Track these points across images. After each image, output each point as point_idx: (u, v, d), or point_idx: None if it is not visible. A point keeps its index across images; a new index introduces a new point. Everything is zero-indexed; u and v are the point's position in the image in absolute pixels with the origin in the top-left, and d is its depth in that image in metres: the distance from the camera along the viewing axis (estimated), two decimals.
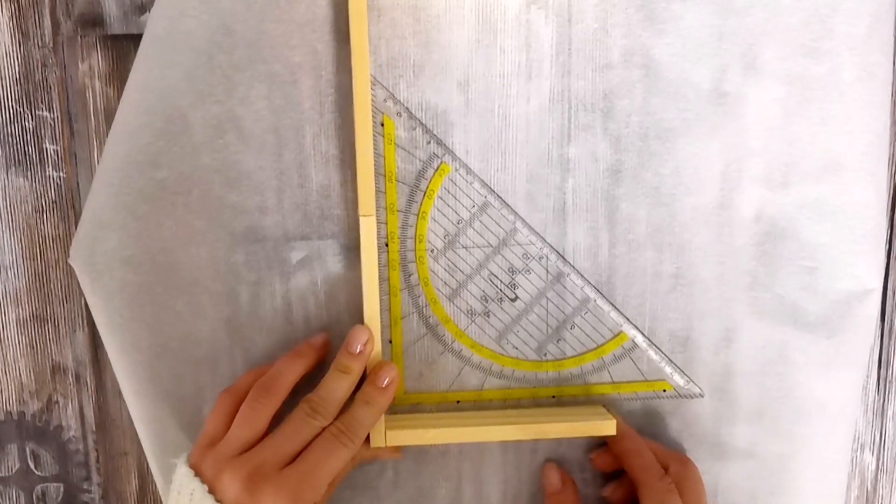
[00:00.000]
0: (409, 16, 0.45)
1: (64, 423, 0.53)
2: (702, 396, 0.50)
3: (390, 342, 0.48)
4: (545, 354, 0.49)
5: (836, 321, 0.48)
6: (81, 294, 0.49)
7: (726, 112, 0.47)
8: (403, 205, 0.47)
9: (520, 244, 0.48)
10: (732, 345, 0.49)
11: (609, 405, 0.49)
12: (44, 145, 0.50)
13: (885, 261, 0.50)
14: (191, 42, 0.44)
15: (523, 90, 0.46)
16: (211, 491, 0.41)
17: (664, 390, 0.50)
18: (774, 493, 0.51)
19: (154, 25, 0.44)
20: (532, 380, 0.49)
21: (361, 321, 0.46)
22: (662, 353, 0.49)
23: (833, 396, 0.50)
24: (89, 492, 0.54)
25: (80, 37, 0.49)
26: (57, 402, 0.53)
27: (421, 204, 0.47)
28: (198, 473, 0.42)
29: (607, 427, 0.47)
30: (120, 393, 0.50)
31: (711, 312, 0.49)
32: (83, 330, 0.52)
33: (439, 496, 0.50)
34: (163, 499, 0.51)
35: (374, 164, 0.45)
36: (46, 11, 0.49)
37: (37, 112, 0.50)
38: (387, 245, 0.47)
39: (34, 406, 0.53)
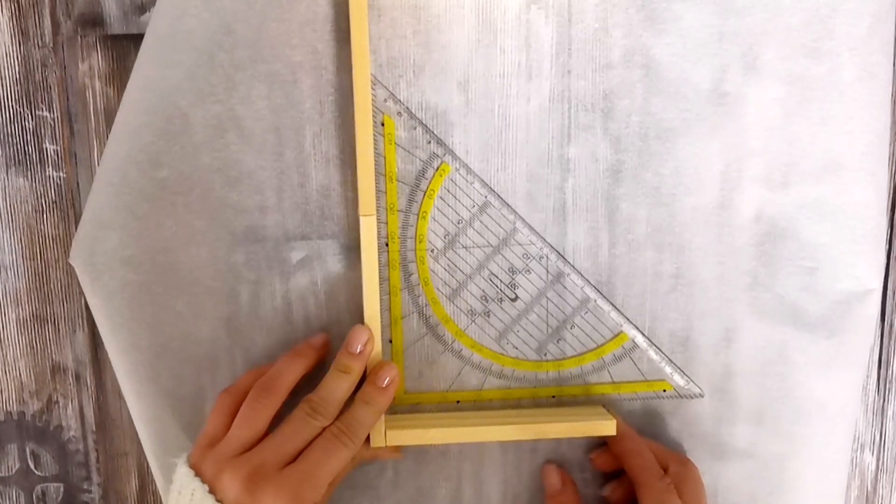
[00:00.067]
0: (410, 16, 0.45)
1: (64, 423, 0.53)
2: (702, 396, 0.50)
3: (390, 342, 0.48)
4: (545, 354, 0.49)
5: (836, 321, 0.49)
6: (81, 294, 0.49)
7: (726, 112, 0.47)
8: (404, 204, 0.47)
9: (520, 244, 0.48)
10: (732, 345, 0.49)
11: (609, 405, 0.49)
12: (44, 145, 0.50)
13: (885, 261, 0.50)
14: (192, 41, 0.44)
15: (523, 90, 0.46)
16: (211, 491, 0.41)
17: (664, 390, 0.50)
18: (774, 493, 0.51)
19: (155, 25, 0.44)
20: (532, 380, 0.49)
21: (361, 321, 0.46)
22: (662, 353, 0.49)
23: (833, 396, 0.50)
24: (89, 492, 0.54)
25: (80, 37, 0.49)
26: (57, 402, 0.53)
27: (421, 204, 0.47)
28: (198, 473, 0.42)
29: (607, 427, 0.47)
30: (120, 393, 0.50)
31: (711, 312, 0.49)
32: (83, 330, 0.52)
33: (439, 496, 0.50)
34: (163, 498, 0.51)
35: (375, 164, 0.45)
36: (46, 11, 0.49)
37: (37, 112, 0.50)
38: (387, 245, 0.47)
39: (34, 406, 0.53)
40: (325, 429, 0.43)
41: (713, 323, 0.49)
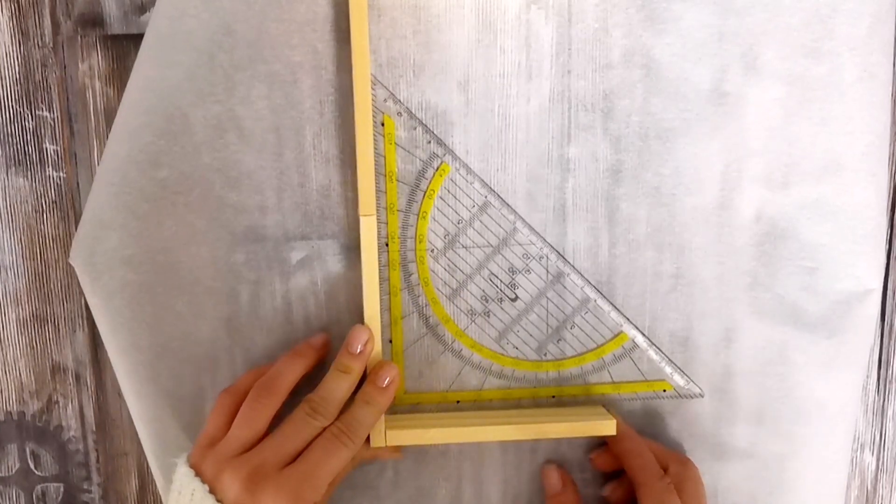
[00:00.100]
0: (410, 15, 0.45)
1: (64, 423, 0.53)
2: (702, 396, 0.50)
3: (390, 342, 0.48)
4: (545, 354, 0.49)
5: (836, 321, 0.49)
6: (81, 294, 0.49)
7: (727, 112, 0.47)
8: (404, 204, 0.47)
9: (520, 244, 0.48)
10: (732, 345, 0.49)
11: (609, 405, 0.49)
12: (44, 145, 0.50)
13: (886, 261, 0.50)
14: (192, 41, 0.44)
15: (523, 90, 0.46)
16: (211, 491, 0.41)
17: (664, 390, 0.50)
18: (774, 493, 0.51)
19: (155, 25, 0.44)
20: (532, 380, 0.49)
21: (361, 321, 0.46)
22: (662, 353, 0.49)
23: (833, 396, 0.50)
24: (89, 492, 0.54)
25: (80, 37, 0.49)
26: (57, 402, 0.53)
27: (421, 204, 0.47)
28: (198, 473, 0.42)
29: (607, 427, 0.47)
30: (120, 393, 0.50)
31: (711, 312, 0.49)
32: (83, 330, 0.52)
33: (439, 496, 0.50)
34: (163, 499, 0.51)
35: (375, 164, 0.45)
36: (46, 11, 0.49)
37: (37, 112, 0.50)
38: (387, 245, 0.47)
39: (34, 406, 0.53)
40: (325, 429, 0.43)
41: (713, 323, 0.49)
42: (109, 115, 0.50)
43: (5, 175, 0.50)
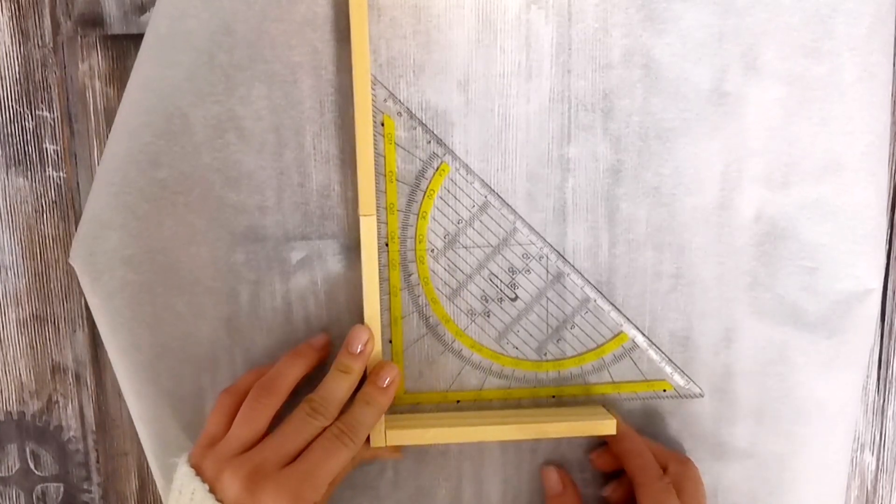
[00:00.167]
0: (410, 15, 0.45)
1: (64, 423, 0.53)
2: (702, 396, 0.50)
3: (390, 342, 0.48)
4: (545, 354, 0.49)
5: (836, 321, 0.49)
6: (81, 294, 0.49)
7: (726, 112, 0.47)
8: (403, 204, 0.47)
9: (520, 244, 0.48)
10: (732, 345, 0.49)
11: (609, 405, 0.49)
12: (44, 145, 0.50)
13: (885, 261, 0.50)
14: (192, 41, 0.44)
15: (523, 90, 0.46)
16: (211, 490, 0.41)
17: (664, 390, 0.50)
18: (774, 493, 0.51)
19: (155, 25, 0.44)
20: (532, 380, 0.49)
21: (361, 321, 0.46)
22: (662, 353, 0.49)
23: (833, 396, 0.50)
24: (89, 492, 0.54)
25: (80, 37, 0.49)
26: (57, 402, 0.53)
27: (421, 204, 0.47)
28: (198, 473, 0.42)
29: (607, 427, 0.47)
30: (120, 393, 0.50)
31: (711, 312, 0.49)
32: (83, 330, 0.52)
33: (439, 496, 0.50)
34: (163, 498, 0.51)
35: (375, 164, 0.45)
36: (46, 11, 0.49)
37: (37, 112, 0.50)
38: (387, 245, 0.47)
39: (34, 406, 0.53)
40: (325, 429, 0.43)
41: (713, 323, 0.49)
42: (109, 115, 0.50)
43: (5, 175, 0.50)
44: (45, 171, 0.50)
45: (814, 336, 0.49)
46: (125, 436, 0.53)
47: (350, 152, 0.46)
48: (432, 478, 0.50)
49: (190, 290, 0.47)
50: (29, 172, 0.50)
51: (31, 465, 0.54)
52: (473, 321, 0.49)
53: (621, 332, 0.49)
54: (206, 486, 0.41)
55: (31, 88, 0.49)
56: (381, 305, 0.47)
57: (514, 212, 0.48)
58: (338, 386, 0.45)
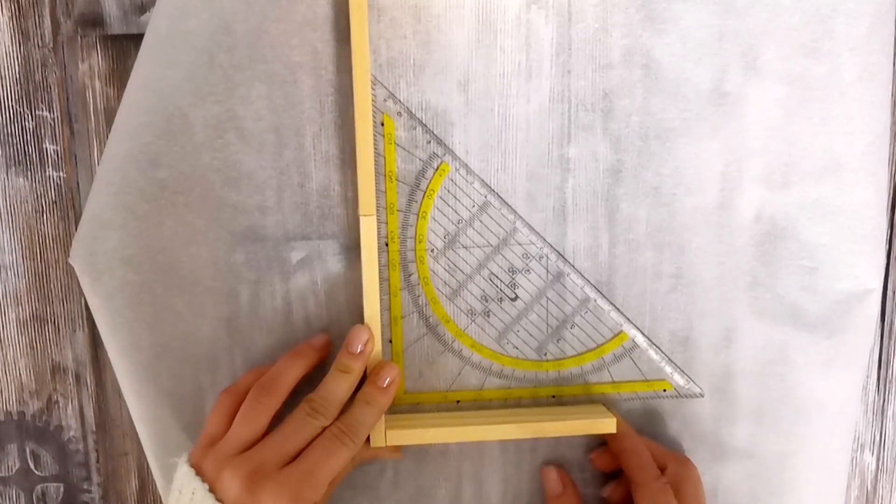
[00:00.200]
0: (410, 15, 0.45)
1: (64, 423, 0.53)
2: (702, 396, 0.50)
3: (390, 342, 0.48)
4: (545, 354, 0.49)
5: (836, 321, 0.49)
6: (81, 294, 0.49)
7: (726, 112, 0.47)
8: (403, 204, 0.47)
9: (520, 244, 0.48)
10: (732, 345, 0.49)
11: (609, 405, 0.49)
12: (44, 145, 0.50)
13: (885, 261, 0.50)
14: (192, 41, 0.44)
15: (523, 90, 0.46)
16: (212, 490, 0.41)
17: (664, 390, 0.50)
18: (774, 493, 0.51)
19: (155, 25, 0.44)
20: (532, 379, 0.49)
21: (361, 321, 0.46)
22: (662, 352, 0.49)
23: (833, 396, 0.50)
24: (89, 492, 0.54)
25: (80, 37, 0.49)
26: (57, 402, 0.53)
27: (421, 203, 0.47)
28: (199, 473, 0.42)
29: (607, 425, 0.47)
30: (120, 393, 0.50)
31: (711, 312, 0.49)
32: (83, 330, 0.52)
33: (439, 496, 0.50)
34: (163, 498, 0.51)
35: (375, 164, 0.45)
36: (46, 11, 0.49)
37: (37, 112, 0.50)
38: (387, 245, 0.47)
39: (34, 406, 0.53)
40: (325, 429, 0.43)
41: (713, 323, 0.49)
42: (109, 115, 0.50)
43: (5, 175, 0.50)
44: (45, 171, 0.50)
45: (814, 336, 0.49)
46: (125, 436, 0.53)
47: (350, 152, 0.46)
48: (432, 478, 0.50)
49: (190, 290, 0.47)
50: (29, 172, 0.50)
51: (31, 465, 0.54)
52: (473, 321, 0.49)
53: (621, 331, 0.49)
54: (207, 486, 0.41)
55: (31, 88, 0.49)
56: (381, 305, 0.47)
57: (514, 212, 0.48)
58: (338, 386, 0.45)
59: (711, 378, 0.50)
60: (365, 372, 0.46)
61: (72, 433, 0.53)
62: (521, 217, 0.48)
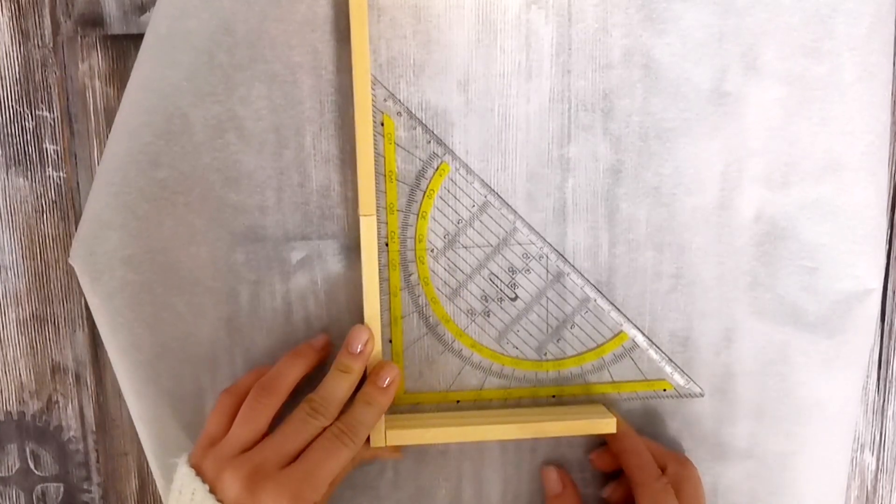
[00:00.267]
0: (410, 15, 0.45)
1: (64, 423, 0.53)
2: (702, 396, 0.50)
3: (390, 342, 0.48)
4: (545, 354, 0.49)
5: (836, 321, 0.49)
6: (81, 294, 0.49)
7: (727, 112, 0.47)
8: (403, 204, 0.47)
9: (520, 244, 0.48)
10: (733, 345, 0.49)
11: (609, 405, 0.49)
12: (44, 145, 0.50)
13: (886, 261, 0.50)
14: (192, 41, 0.44)
15: (523, 90, 0.46)
16: (212, 490, 0.41)
17: (664, 390, 0.50)
18: (774, 493, 0.51)
19: (156, 25, 0.44)
20: (532, 379, 0.49)
21: (361, 321, 0.46)
22: (662, 352, 0.49)
23: (833, 396, 0.50)
24: (89, 492, 0.54)
25: (80, 37, 0.49)
26: (57, 402, 0.53)
27: (421, 203, 0.47)
28: (199, 473, 0.42)
29: (607, 425, 0.47)
30: (120, 393, 0.50)
31: (712, 312, 0.49)
32: (83, 330, 0.52)
33: (439, 496, 0.50)
34: (163, 499, 0.51)
35: (375, 164, 0.45)
36: (46, 11, 0.49)
37: (37, 112, 0.50)
38: (387, 245, 0.47)
39: (34, 406, 0.53)
40: (325, 429, 0.43)
41: (713, 323, 0.49)
42: (109, 115, 0.50)
43: (5, 175, 0.50)
44: (45, 171, 0.50)
45: (814, 336, 0.49)
46: (125, 436, 0.53)
47: (350, 152, 0.46)
48: (432, 478, 0.50)
49: (190, 290, 0.47)
50: (29, 172, 0.50)
51: (31, 465, 0.54)
52: (473, 321, 0.49)
53: (621, 331, 0.49)
54: (207, 487, 0.41)
55: (31, 88, 0.49)
56: (381, 305, 0.47)
57: (514, 212, 0.48)
58: (338, 386, 0.45)
59: (711, 378, 0.50)
60: (365, 372, 0.46)
61: (72, 433, 0.53)
62: (521, 217, 0.48)
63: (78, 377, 0.53)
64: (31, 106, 0.50)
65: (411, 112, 0.46)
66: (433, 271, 0.48)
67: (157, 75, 0.45)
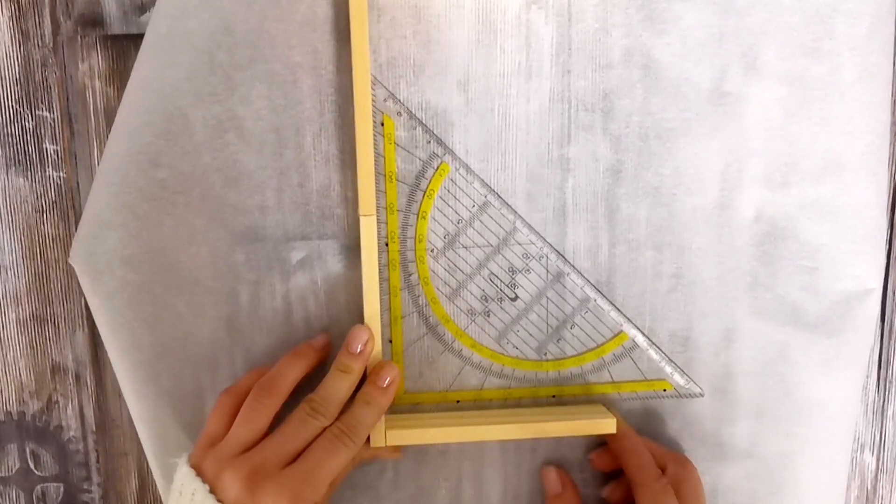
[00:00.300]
0: (410, 15, 0.45)
1: (64, 423, 0.53)
2: (702, 396, 0.50)
3: (390, 342, 0.48)
4: (545, 354, 0.49)
5: (836, 321, 0.49)
6: (81, 294, 0.49)
7: (727, 112, 0.47)
8: (403, 204, 0.47)
9: (520, 244, 0.48)
10: (733, 345, 0.49)
11: (609, 405, 0.49)
12: (44, 145, 0.50)
13: (885, 261, 0.50)
14: (192, 41, 0.44)
15: (523, 90, 0.46)
16: (212, 491, 0.41)
17: (664, 390, 0.50)
18: (774, 493, 0.51)
19: (156, 25, 0.44)
20: (532, 379, 0.49)
21: (362, 321, 0.46)
22: (662, 352, 0.49)
23: (833, 396, 0.50)
24: (89, 492, 0.54)
25: (80, 37, 0.49)
26: (57, 402, 0.53)
27: (421, 203, 0.47)
28: (199, 473, 0.42)
29: (607, 425, 0.47)
30: (120, 393, 0.50)
31: (712, 312, 0.49)
32: (83, 330, 0.52)
33: (439, 496, 0.50)
34: (163, 499, 0.51)
35: (375, 164, 0.45)
36: (46, 11, 0.49)
37: (37, 112, 0.50)
38: (387, 245, 0.47)
39: (34, 406, 0.53)
40: (325, 429, 0.43)
41: (713, 323, 0.49)
42: (109, 115, 0.50)
43: (5, 175, 0.50)
44: (45, 171, 0.50)
45: (814, 336, 0.49)
46: (125, 436, 0.53)
47: (350, 152, 0.46)
48: (432, 478, 0.50)
49: (190, 290, 0.47)
50: (29, 172, 0.50)
51: (31, 465, 0.54)
52: (473, 321, 0.49)
53: (621, 331, 0.49)
54: (207, 487, 0.41)
55: (31, 88, 0.49)
56: (381, 305, 0.47)
57: (514, 212, 0.48)
58: (338, 386, 0.45)
59: (711, 378, 0.50)
60: (365, 372, 0.46)
61: (72, 433, 0.53)
62: (521, 217, 0.48)
63: (78, 377, 0.53)
64: (31, 106, 0.50)
65: (411, 112, 0.46)
66: (433, 271, 0.48)
67: (157, 75, 0.45)
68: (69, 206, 0.51)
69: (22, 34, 0.49)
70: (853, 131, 0.47)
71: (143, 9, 0.49)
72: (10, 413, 0.53)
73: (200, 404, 0.48)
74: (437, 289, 0.48)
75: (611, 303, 0.49)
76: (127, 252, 0.46)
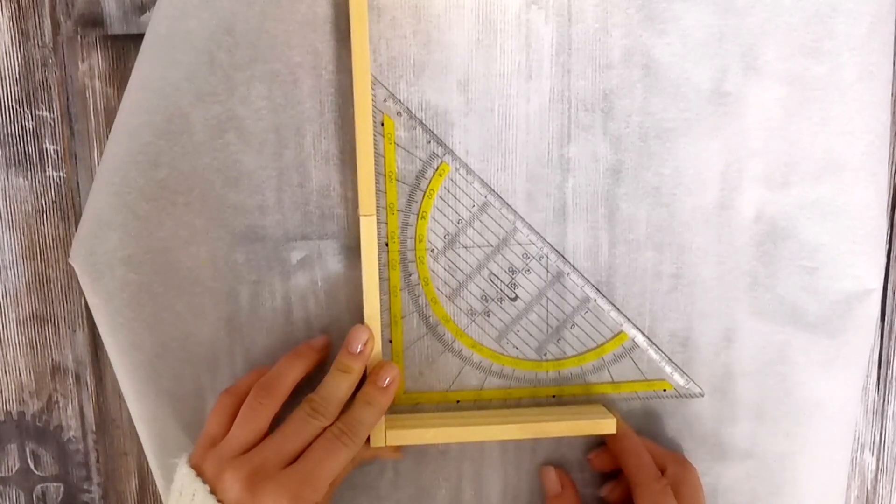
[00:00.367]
0: (410, 15, 0.45)
1: (64, 423, 0.53)
2: (702, 396, 0.50)
3: (390, 342, 0.48)
4: (545, 354, 0.49)
5: (836, 321, 0.49)
6: (81, 294, 0.49)
7: (727, 112, 0.47)
8: (403, 204, 0.47)
9: (520, 244, 0.48)
10: (733, 345, 0.49)
11: (609, 405, 0.49)
12: (44, 145, 0.50)
13: (886, 261, 0.50)
14: (192, 41, 0.44)
15: (523, 90, 0.46)
16: (212, 491, 0.41)
17: (664, 390, 0.50)
18: (774, 494, 0.51)
19: (156, 25, 0.44)
20: (532, 379, 0.49)
21: (361, 321, 0.46)
22: (662, 352, 0.49)
23: (833, 396, 0.50)
24: (89, 492, 0.54)
25: (80, 37, 0.49)
26: (57, 402, 0.53)
27: (421, 204, 0.47)
28: (199, 473, 0.42)
29: (607, 426, 0.47)
30: (120, 393, 0.50)
31: (712, 312, 0.49)
32: (83, 330, 0.52)
33: (439, 496, 0.50)
34: (163, 499, 0.51)
35: (375, 164, 0.45)
36: (46, 11, 0.49)
37: (37, 112, 0.50)
38: (387, 245, 0.47)
39: (34, 406, 0.53)
40: (325, 429, 0.43)
41: (713, 323, 0.49)
42: (109, 115, 0.50)
43: (5, 175, 0.50)
44: (45, 171, 0.50)
45: (814, 336, 0.49)
46: (125, 436, 0.53)
47: (350, 152, 0.46)
48: (432, 478, 0.50)
49: (190, 290, 0.47)
50: (29, 172, 0.50)
51: (31, 465, 0.54)
52: (473, 321, 0.49)
53: (621, 331, 0.49)
54: (207, 487, 0.41)
55: (31, 88, 0.49)
56: (381, 305, 0.47)
57: (514, 212, 0.48)
58: (338, 386, 0.45)
59: (711, 378, 0.50)
60: (365, 372, 0.46)
61: (72, 433, 0.53)
62: (521, 217, 0.48)
63: (78, 377, 0.53)
64: (31, 106, 0.50)
65: (411, 112, 0.46)
66: (433, 271, 0.48)
67: (157, 75, 0.45)
68: (69, 206, 0.51)
69: (22, 34, 0.49)
70: (853, 131, 0.47)
71: (143, 9, 0.49)
72: (10, 413, 0.53)
73: (200, 404, 0.48)
74: (437, 289, 0.48)
75: (611, 303, 0.49)
76: (127, 252, 0.46)
